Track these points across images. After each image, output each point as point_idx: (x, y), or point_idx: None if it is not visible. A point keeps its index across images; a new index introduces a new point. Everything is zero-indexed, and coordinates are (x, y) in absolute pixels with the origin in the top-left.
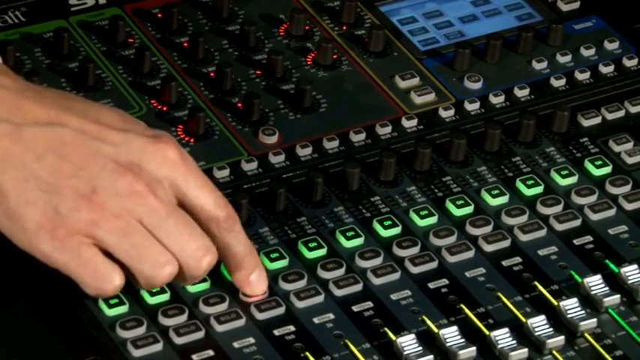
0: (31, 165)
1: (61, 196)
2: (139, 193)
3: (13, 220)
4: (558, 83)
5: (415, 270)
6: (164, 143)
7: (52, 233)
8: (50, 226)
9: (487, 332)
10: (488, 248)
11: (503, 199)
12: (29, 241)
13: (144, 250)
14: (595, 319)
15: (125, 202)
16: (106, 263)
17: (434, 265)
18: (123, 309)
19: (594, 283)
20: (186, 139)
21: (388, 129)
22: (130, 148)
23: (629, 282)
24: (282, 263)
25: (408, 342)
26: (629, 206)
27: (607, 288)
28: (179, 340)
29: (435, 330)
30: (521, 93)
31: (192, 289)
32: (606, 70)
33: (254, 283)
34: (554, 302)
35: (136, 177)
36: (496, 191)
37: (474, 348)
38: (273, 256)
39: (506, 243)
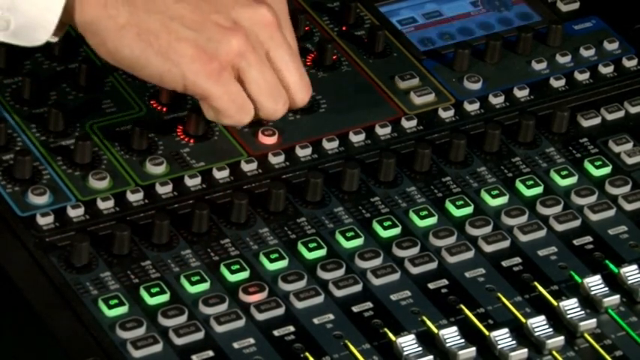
0: (172, 5)
1: (209, 30)
2: (272, 24)
3: (167, 58)
4: (558, 84)
5: (415, 270)
6: None
7: (207, 66)
8: (205, 59)
9: (487, 333)
10: (488, 249)
11: (502, 200)
12: (183, 76)
13: (271, 86)
14: (595, 320)
15: (261, 32)
16: (247, 98)
17: (434, 265)
18: (123, 310)
19: (594, 283)
20: (186, 139)
21: (388, 129)
22: None
23: (629, 282)
24: (282, 264)
25: (407, 342)
26: (628, 207)
27: (607, 288)
28: (179, 341)
29: (435, 330)
30: (521, 93)
31: (192, 289)
32: (606, 70)
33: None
34: (554, 303)
35: (269, 9)
36: (496, 192)
37: (473, 348)
38: (273, 256)
39: (506, 243)
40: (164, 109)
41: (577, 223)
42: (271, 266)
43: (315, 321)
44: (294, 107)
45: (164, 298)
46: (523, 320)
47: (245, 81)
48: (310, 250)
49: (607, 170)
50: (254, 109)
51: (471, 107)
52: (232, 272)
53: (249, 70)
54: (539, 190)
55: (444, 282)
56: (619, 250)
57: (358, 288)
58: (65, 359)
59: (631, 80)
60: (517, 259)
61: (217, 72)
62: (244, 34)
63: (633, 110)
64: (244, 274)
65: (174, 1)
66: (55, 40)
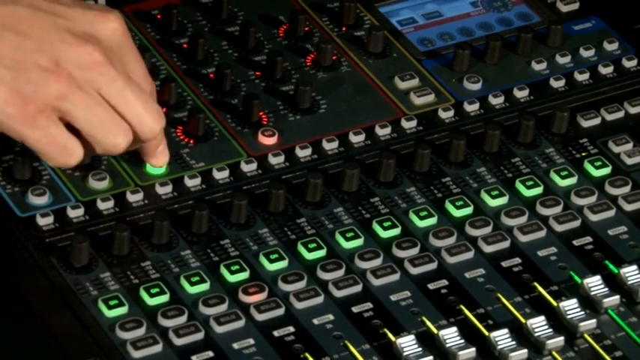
0: None
1: (28, 71)
2: (100, 63)
3: None
4: (558, 84)
5: (415, 271)
6: (112, 15)
7: (22, 111)
8: (20, 103)
9: (487, 333)
10: (488, 249)
11: (502, 200)
12: (0, 121)
13: (106, 122)
14: (595, 320)
15: (87, 72)
16: (72, 139)
17: (433, 265)
18: (122, 310)
19: (594, 283)
20: (186, 140)
21: (388, 130)
22: (83, 19)
23: (629, 283)
24: (282, 264)
25: (407, 343)
26: (628, 207)
27: (607, 289)
28: (179, 341)
29: (435, 331)
30: (521, 94)
31: (192, 290)
32: (606, 70)
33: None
34: (554, 303)
35: (95, 47)
36: (496, 192)
37: (473, 349)
38: (273, 257)
39: (505, 244)
40: (164, 110)
41: (577, 223)
42: (271, 267)
43: (315, 321)
44: (145, 139)
45: (164, 298)
46: (523, 321)
47: (73, 121)
48: (310, 250)
49: (607, 171)
50: (97, 147)
51: (471, 107)
52: (232, 273)
53: (75, 110)
54: (539, 190)
55: (444, 282)
56: (619, 250)
57: (358, 288)
58: (65, 359)
59: (631, 80)
60: (517, 260)
61: (32, 116)
62: (66, 75)
63: (633, 111)
64: (244, 275)
65: None
66: None
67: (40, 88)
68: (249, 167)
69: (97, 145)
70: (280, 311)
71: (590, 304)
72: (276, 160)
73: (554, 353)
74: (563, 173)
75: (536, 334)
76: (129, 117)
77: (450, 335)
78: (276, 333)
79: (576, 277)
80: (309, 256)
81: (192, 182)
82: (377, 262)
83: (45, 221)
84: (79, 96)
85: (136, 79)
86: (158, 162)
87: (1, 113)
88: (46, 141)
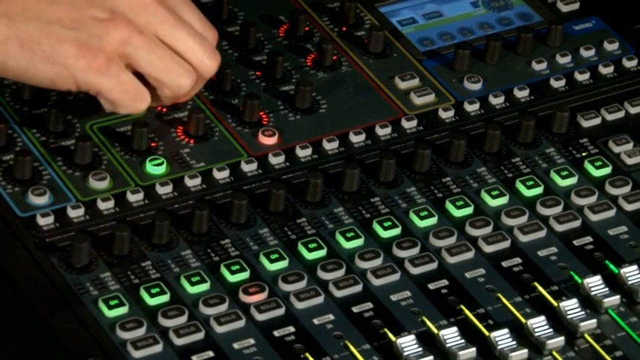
0: (47, 9)
1: (87, 26)
2: (149, 4)
3: (53, 62)
4: (558, 84)
5: (415, 271)
6: None
7: (94, 62)
8: (90, 55)
9: (487, 333)
10: (488, 249)
11: (503, 200)
12: (73, 75)
13: (167, 62)
14: (595, 320)
15: (141, 15)
16: (141, 85)
17: (434, 265)
18: (123, 310)
19: (594, 283)
20: (186, 139)
21: (388, 130)
22: None
23: (629, 283)
24: (282, 264)
25: (408, 343)
26: (628, 207)
27: (607, 289)
28: (179, 341)
29: (435, 331)
30: (521, 94)
31: (192, 290)
32: (606, 70)
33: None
34: (554, 303)
35: None
36: (496, 192)
37: (473, 349)
38: (273, 257)
39: (506, 244)
40: (164, 110)
41: (577, 223)
42: (271, 267)
43: (316, 321)
44: (205, 76)
45: (164, 298)
46: (523, 320)
47: (137, 65)
48: (310, 250)
49: (607, 171)
50: (164, 88)
51: (471, 107)
52: (232, 273)
53: (138, 53)
54: (539, 190)
55: (444, 282)
56: (619, 250)
57: (358, 288)
58: (65, 359)
59: (631, 80)
60: (517, 260)
61: (105, 65)
62: (124, 21)
63: (633, 111)
64: (244, 275)
65: (48, 3)
66: None
67: (104, 38)
68: (249, 167)
69: (162, 87)
70: (280, 311)
71: (590, 304)
72: (276, 160)
73: (554, 353)
74: (564, 173)
75: (537, 334)
76: (186, 55)
77: (451, 335)
78: (276, 333)
79: (576, 277)
80: (310, 256)
81: (193, 182)
82: (377, 262)
83: (45, 221)
84: (139, 38)
85: (189, 21)
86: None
87: (74, 69)
88: (119, 89)
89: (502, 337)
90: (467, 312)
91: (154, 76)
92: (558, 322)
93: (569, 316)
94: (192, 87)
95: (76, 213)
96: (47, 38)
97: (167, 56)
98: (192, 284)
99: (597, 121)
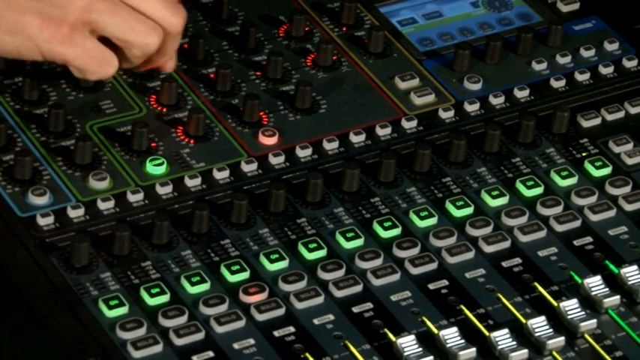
0: None
1: None
2: None
3: (17, 33)
4: (558, 84)
5: (415, 271)
6: None
7: (57, 32)
8: (54, 25)
9: (487, 333)
10: (488, 249)
11: (503, 200)
12: (38, 46)
13: (132, 23)
14: (595, 320)
15: None
16: (107, 50)
17: (434, 266)
18: (123, 310)
19: (594, 283)
20: (186, 140)
21: (388, 130)
22: None
23: (629, 283)
24: (282, 264)
25: (408, 343)
26: (629, 207)
27: (607, 289)
28: (179, 342)
29: (435, 331)
30: (521, 94)
31: (192, 290)
32: (606, 70)
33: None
34: (555, 303)
35: None
36: (496, 192)
37: (473, 349)
38: (273, 257)
39: (506, 244)
40: (164, 110)
41: (577, 223)
42: (271, 267)
43: (316, 321)
44: (173, 33)
45: (164, 298)
46: (523, 321)
47: (102, 30)
48: (310, 250)
49: (607, 171)
50: (132, 49)
51: (471, 108)
52: (232, 273)
53: (101, 17)
54: (539, 190)
55: (445, 282)
56: (619, 250)
57: (358, 288)
58: (65, 359)
59: (631, 81)
60: (517, 260)
61: (69, 35)
62: None
63: (633, 111)
64: (244, 275)
65: None
66: None
67: (65, 7)
68: (249, 167)
69: (131, 48)
70: (281, 311)
71: (590, 304)
72: (276, 160)
73: (554, 353)
74: (564, 173)
75: (537, 334)
76: (150, 14)
77: (451, 335)
78: (276, 333)
79: (577, 277)
80: (310, 256)
81: (193, 182)
82: (377, 262)
83: (45, 221)
84: (101, 3)
85: None
86: (170, 67)
87: (39, 40)
88: (85, 56)
89: (502, 338)
90: (467, 312)
91: (120, 38)
92: (558, 323)
93: (569, 317)
94: (163, 45)
95: (76, 213)
96: (10, 10)
97: (131, 17)
98: (193, 284)
99: (597, 121)
